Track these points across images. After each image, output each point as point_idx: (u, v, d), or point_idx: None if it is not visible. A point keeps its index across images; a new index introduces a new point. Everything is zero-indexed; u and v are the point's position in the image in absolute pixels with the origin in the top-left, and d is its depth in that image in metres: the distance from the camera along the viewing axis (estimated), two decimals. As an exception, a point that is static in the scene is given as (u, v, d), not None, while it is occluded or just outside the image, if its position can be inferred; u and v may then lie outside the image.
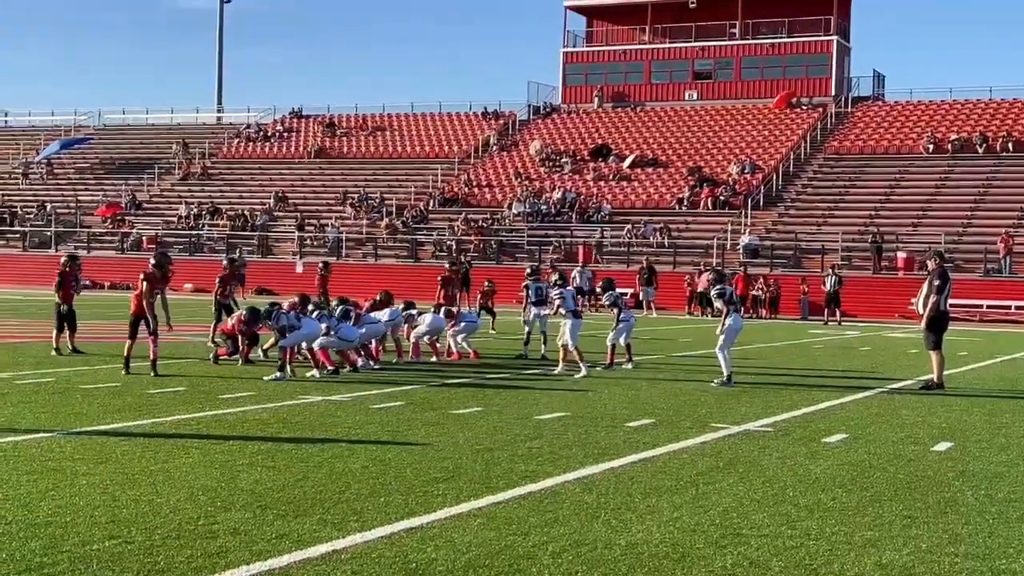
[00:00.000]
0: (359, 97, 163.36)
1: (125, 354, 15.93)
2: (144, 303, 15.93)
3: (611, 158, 56.30)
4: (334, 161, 62.58)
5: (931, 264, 16.89)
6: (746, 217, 47.94)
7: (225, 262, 21.54)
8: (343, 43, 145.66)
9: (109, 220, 57.30)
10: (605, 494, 8.38)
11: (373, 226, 53.25)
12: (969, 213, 46.10)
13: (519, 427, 11.56)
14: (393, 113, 66.87)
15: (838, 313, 37.03)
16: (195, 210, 56.66)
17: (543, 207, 52.12)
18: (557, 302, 18.20)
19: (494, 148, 60.49)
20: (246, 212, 55.66)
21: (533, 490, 8.47)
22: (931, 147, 51.44)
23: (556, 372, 17.25)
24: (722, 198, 50.03)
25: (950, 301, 16.99)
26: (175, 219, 56.75)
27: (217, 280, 20.49)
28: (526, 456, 9.88)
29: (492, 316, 27.23)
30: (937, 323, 16.41)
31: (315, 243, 52.67)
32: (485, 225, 50.99)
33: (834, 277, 37.21)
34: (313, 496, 8.11)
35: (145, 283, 16.07)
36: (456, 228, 51.23)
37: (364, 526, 7.29)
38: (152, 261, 17.17)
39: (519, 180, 55.43)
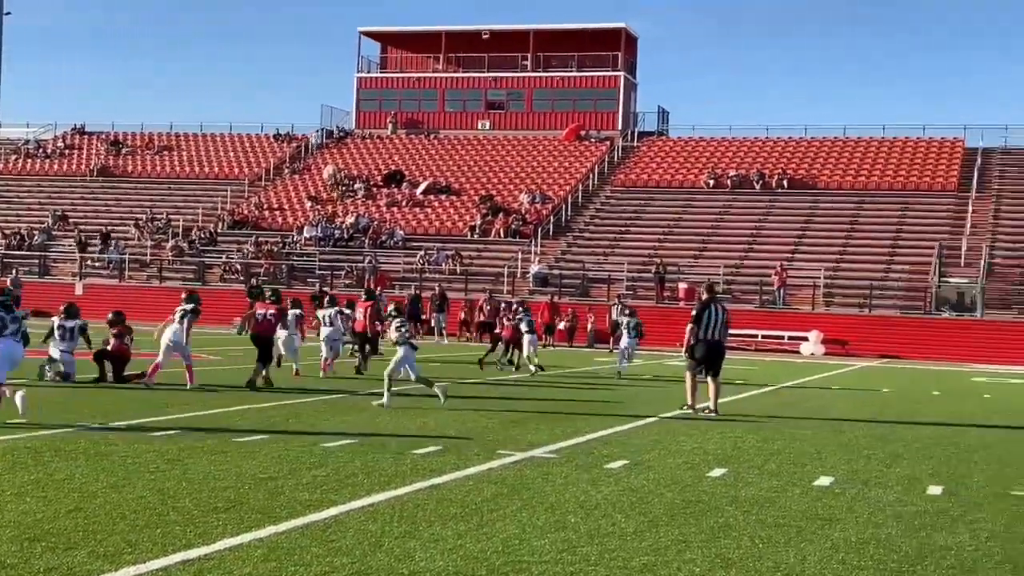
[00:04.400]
0: (145, 116, 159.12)
1: None
2: None
3: (404, 184, 56.40)
4: (118, 180, 60.72)
5: (704, 295, 17.74)
6: (536, 246, 48.72)
7: None
8: (129, 61, 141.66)
9: None
10: (389, 522, 8.35)
11: (158, 248, 51.85)
12: (746, 246, 48.01)
13: (305, 455, 11.42)
14: (181, 133, 65.42)
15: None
16: (-33, 227, 54.06)
17: (335, 232, 51.77)
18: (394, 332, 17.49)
19: (286, 171, 59.80)
20: (23, 231, 53.39)
21: (316, 519, 8.37)
22: (712, 182, 53.40)
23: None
24: (513, 227, 50.70)
25: (730, 331, 17.81)
26: (-55, 236, 54.03)
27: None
28: (310, 484, 9.76)
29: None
30: (695, 351, 17.27)
31: (97, 264, 50.93)
32: (276, 249, 50.29)
33: (620, 306, 38.13)
34: (85, 527, 7.81)
35: None
36: (246, 251, 50.36)
37: (139, 558, 7.05)
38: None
39: (311, 204, 54.94)
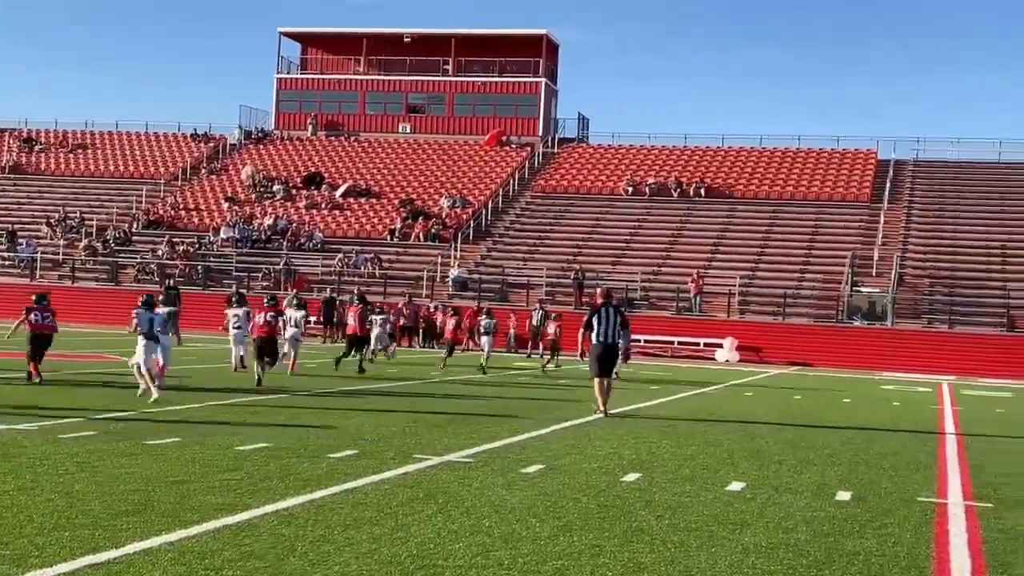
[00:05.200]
0: (60, 113, 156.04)
1: None
2: None
3: (324, 186, 56.06)
4: (31, 177, 59.59)
5: (598, 300, 18.40)
6: (456, 250, 48.71)
7: None
8: (44, 56, 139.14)
9: None
10: (304, 526, 8.30)
11: (71, 247, 50.98)
12: (664, 254, 48.46)
13: (218, 458, 11.30)
14: (97, 131, 64.41)
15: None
16: None
17: (253, 233, 51.29)
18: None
19: (203, 171, 59.12)
20: (-70, 228, 52.22)
21: (229, 523, 8.28)
22: (630, 190, 53.82)
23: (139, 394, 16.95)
24: (433, 231, 50.64)
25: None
26: None
27: None
28: (223, 488, 9.66)
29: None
30: (591, 354, 17.94)
31: (7, 263, 49.92)
32: (192, 250, 49.68)
33: (541, 312, 38.17)
34: (-9, 531, 7.65)
35: None
36: (161, 252, 49.69)
37: (45, 562, 6.93)
38: None
39: (229, 205, 54.37)
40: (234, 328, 23.66)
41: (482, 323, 30.90)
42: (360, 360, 25.48)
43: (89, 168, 60.42)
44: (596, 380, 17.83)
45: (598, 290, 19.13)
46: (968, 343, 40.75)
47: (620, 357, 18.74)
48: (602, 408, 17.63)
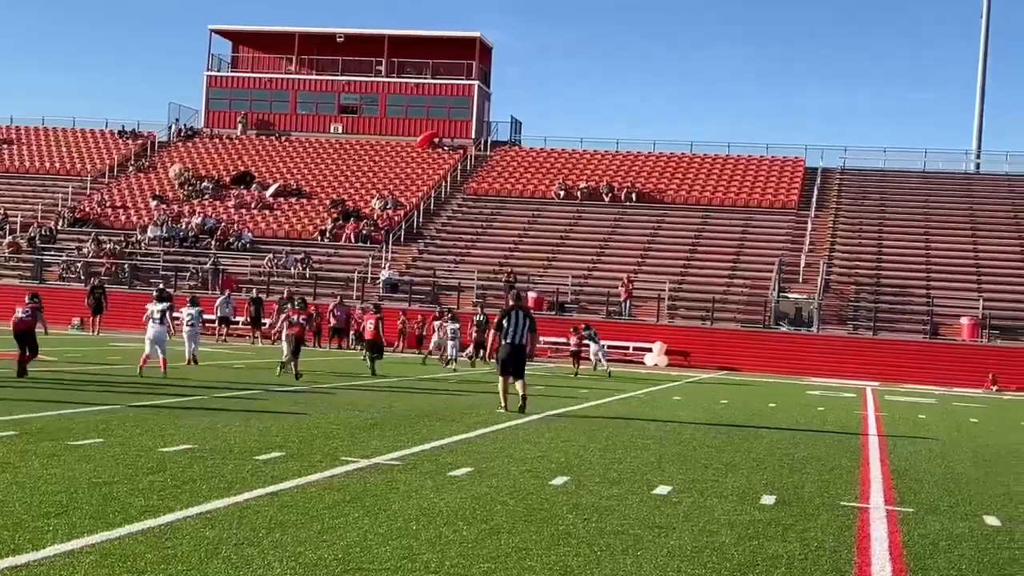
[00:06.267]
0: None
1: None
2: None
3: (254, 186, 55.62)
4: (-47, 172, 58.48)
5: (510, 302, 19.49)
6: (387, 252, 48.56)
7: None
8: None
9: None
10: (228, 529, 8.22)
11: (-6, 244, 50.08)
12: (594, 258, 48.68)
13: (142, 459, 11.16)
14: (22, 126, 63.33)
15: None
16: None
17: (181, 232, 50.73)
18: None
19: (131, 169, 58.38)
20: None
21: (152, 525, 8.19)
22: (562, 193, 54.01)
23: None
24: (364, 232, 50.43)
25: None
26: None
27: None
28: (147, 490, 9.54)
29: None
30: (500, 354, 18.76)
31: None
32: (118, 248, 49.03)
33: (483, 317, 37.86)
34: (-94, 534, 7.49)
35: None
36: (87, 250, 48.99)
37: (-37, 565, 6.81)
38: None
39: (156, 203, 53.74)
40: (188, 325, 25.78)
41: (449, 328, 32.43)
42: (372, 364, 26.61)
43: (14, 164, 59.41)
44: (501, 378, 18.71)
45: (511, 294, 20.32)
46: (892, 349, 41.40)
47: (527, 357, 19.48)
48: (504, 405, 18.46)
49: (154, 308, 22.79)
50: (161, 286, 30.86)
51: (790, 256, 47.72)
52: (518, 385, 18.54)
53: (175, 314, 24.35)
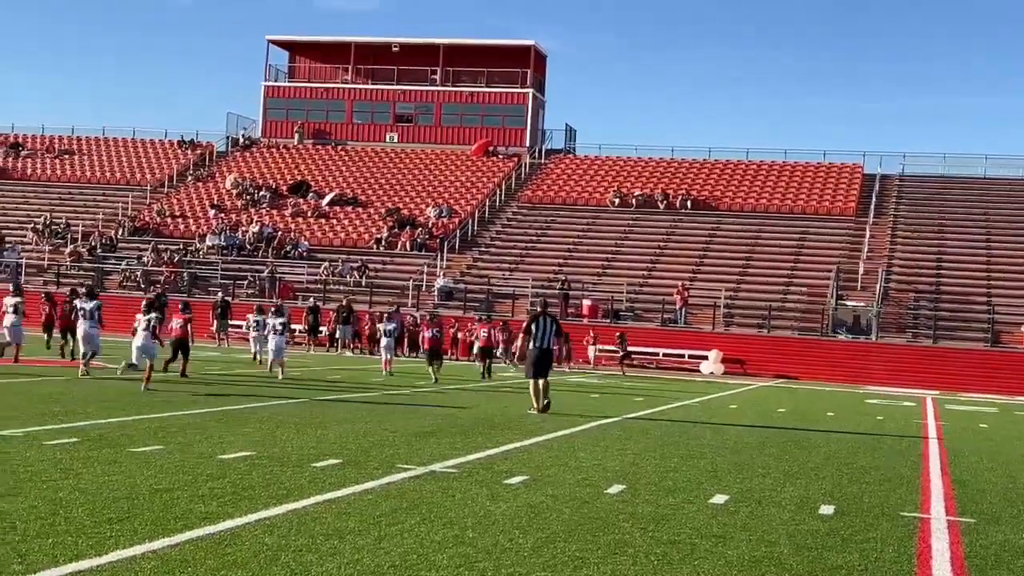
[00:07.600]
0: (46, 118, 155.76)
1: None
2: None
3: (310, 195, 56.03)
4: (17, 183, 59.43)
5: (537, 309, 20.26)
6: (442, 260, 48.71)
7: None
8: (31, 62, 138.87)
9: None
10: (287, 535, 8.28)
11: (56, 253, 50.83)
12: (649, 265, 48.53)
13: (201, 466, 11.27)
14: (83, 136, 64.27)
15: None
16: None
17: (238, 241, 51.21)
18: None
19: (190, 178, 59.04)
20: (-86, 232, 52.00)
21: (212, 532, 8.26)
22: (617, 201, 53.90)
23: None
24: (419, 240, 50.64)
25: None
26: None
27: None
28: (206, 496, 9.64)
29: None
30: (528, 358, 19.48)
31: (-9, 268, 49.75)
32: (177, 257, 49.59)
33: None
34: (-27, 539, 7.62)
35: None
36: (146, 259, 49.58)
37: (28, 569, 6.91)
38: None
39: (215, 212, 54.30)
40: (276, 335, 26.03)
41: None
42: (434, 372, 27.49)
43: (75, 174, 60.29)
44: (532, 381, 19.36)
45: (539, 302, 21.49)
46: (952, 358, 40.88)
47: (556, 360, 20.73)
48: (536, 407, 19.11)
49: (142, 318, 21.98)
50: (152, 295, 29.68)
51: (848, 263, 47.29)
52: (542, 385, 19.24)
53: (260, 319, 27.10)
